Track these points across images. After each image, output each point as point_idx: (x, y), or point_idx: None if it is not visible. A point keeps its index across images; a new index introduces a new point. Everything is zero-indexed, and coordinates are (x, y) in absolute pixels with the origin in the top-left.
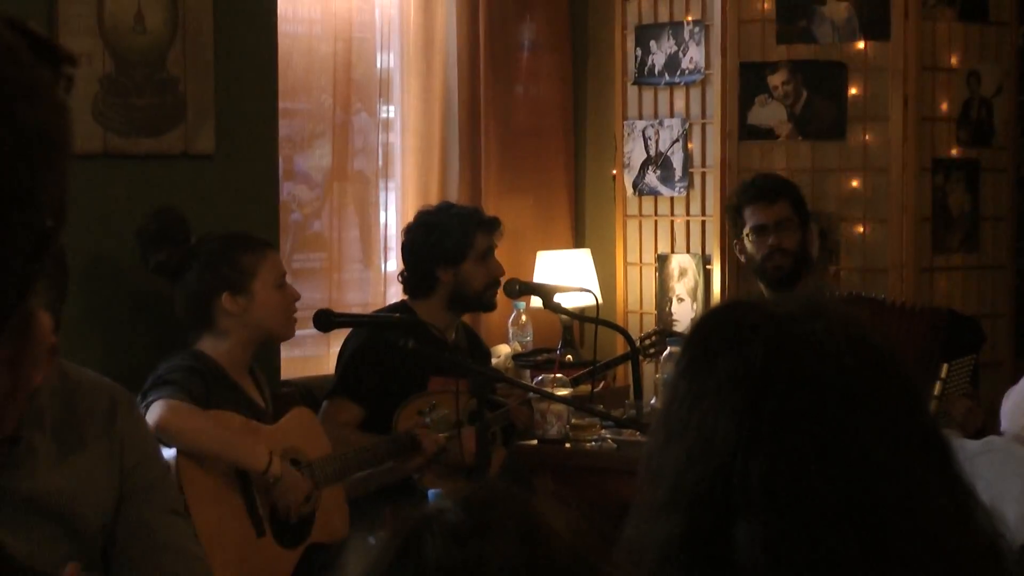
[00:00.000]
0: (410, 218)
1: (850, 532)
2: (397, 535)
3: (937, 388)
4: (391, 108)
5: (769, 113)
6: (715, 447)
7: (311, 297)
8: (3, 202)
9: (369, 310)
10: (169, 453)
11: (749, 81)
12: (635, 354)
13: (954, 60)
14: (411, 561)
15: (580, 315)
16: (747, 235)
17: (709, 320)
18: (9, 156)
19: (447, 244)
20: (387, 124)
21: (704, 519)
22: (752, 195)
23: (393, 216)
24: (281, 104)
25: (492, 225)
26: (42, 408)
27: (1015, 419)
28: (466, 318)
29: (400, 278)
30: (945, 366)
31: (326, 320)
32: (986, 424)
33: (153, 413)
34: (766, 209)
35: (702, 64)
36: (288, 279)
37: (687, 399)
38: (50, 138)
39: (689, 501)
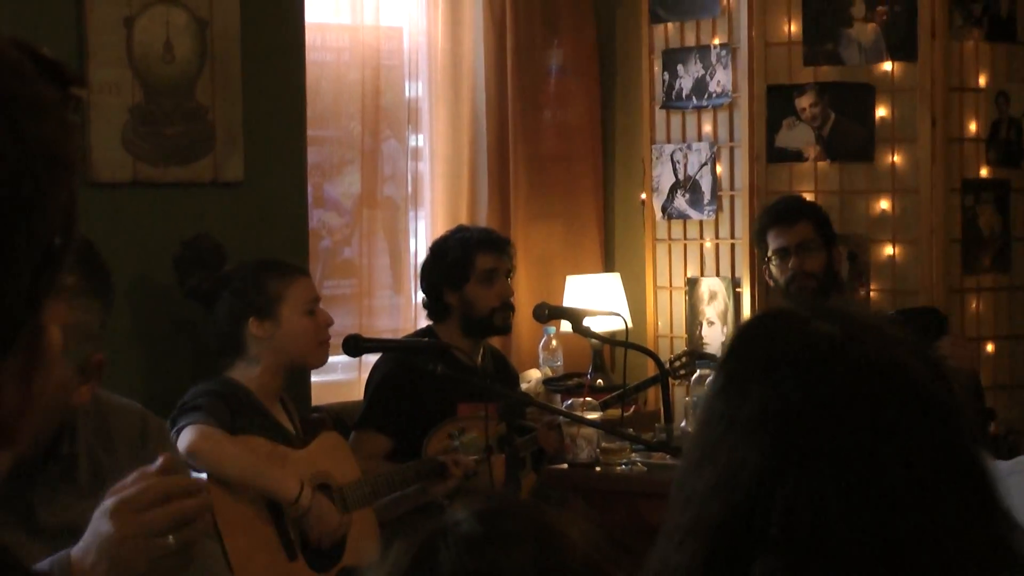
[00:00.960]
0: None
1: (877, 572)
2: (412, 545)
3: None
4: (420, 136)
5: (797, 135)
6: (741, 480)
7: (341, 323)
8: (8, 216)
9: (399, 336)
10: (199, 478)
11: (776, 104)
12: (665, 377)
13: (982, 80)
14: (425, 570)
15: (610, 339)
16: (771, 258)
17: (746, 336)
18: (14, 171)
19: (448, 267)
20: (416, 152)
21: (722, 551)
22: (772, 218)
23: (423, 243)
24: (310, 132)
25: (493, 245)
26: (77, 429)
27: None
28: (496, 343)
29: (423, 304)
30: None
31: (355, 345)
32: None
33: (184, 439)
34: (786, 232)
35: (729, 87)
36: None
37: (721, 424)
38: (56, 155)
39: (710, 531)
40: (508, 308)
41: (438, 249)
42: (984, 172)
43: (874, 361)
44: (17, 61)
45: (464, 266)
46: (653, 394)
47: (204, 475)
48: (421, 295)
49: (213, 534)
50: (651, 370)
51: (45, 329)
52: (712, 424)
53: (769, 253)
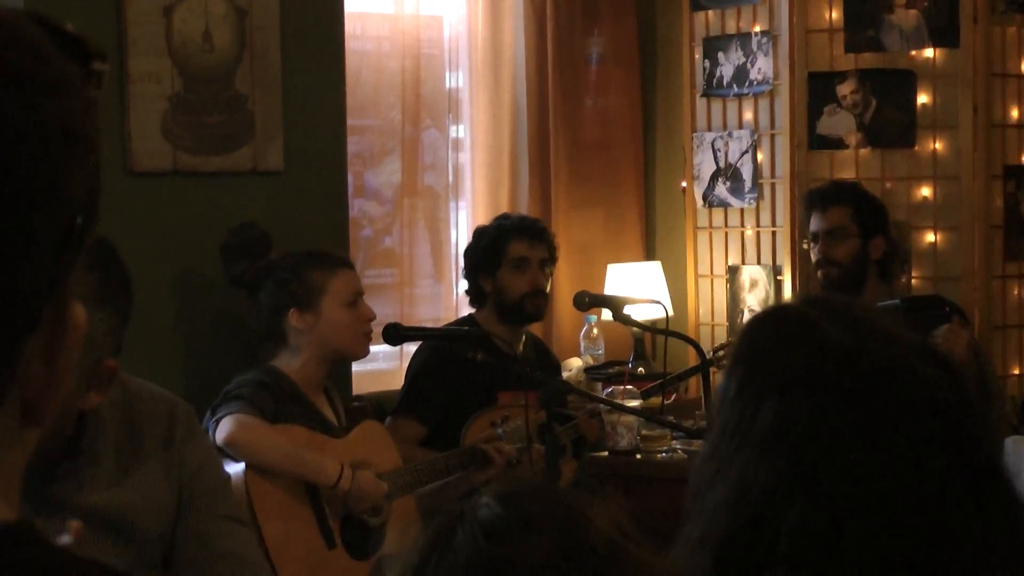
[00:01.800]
0: None
1: None
2: (434, 528)
3: None
4: (460, 128)
5: (838, 123)
6: (751, 497)
7: (382, 312)
8: (28, 195)
9: (440, 324)
10: (237, 468)
11: (817, 91)
12: (706, 366)
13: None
14: (441, 553)
15: (651, 327)
16: (809, 242)
17: (756, 341)
18: (33, 150)
19: (483, 252)
20: (457, 143)
21: (731, 564)
22: (808, 202)
23: (464, 232)
24: (350, 121)
25: (526, 232)
26: (103, 421)
27: None
28: (536, 331)
29: (466, 291)
30: None
31: (395, 334)
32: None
33: (223, 429)
34: (818, 217)
35: (770, 75)
36: None
37: (735, 438)
38: (76, 133)
39: (719, 543)
40: (539, 295)
41: (477, 235)
42: None
43: (886, 372)
44: (35, 38)
45: (497, 252)
46: (694, 382)
47: (242, 465)
48: (463, 282)
49: (248, 521)
50: (692, 358)
51: (69, 307)
52: (725, 438)
53: (808, 236)
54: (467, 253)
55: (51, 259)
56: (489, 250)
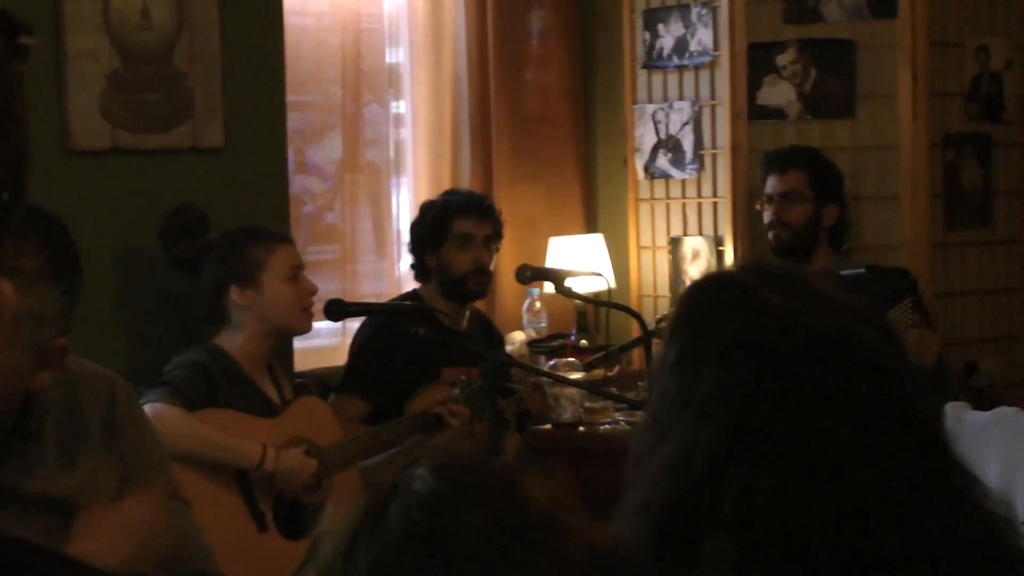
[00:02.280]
0: None
1: (834, 549)
2: (367, 501)
3: None
4: (401, 103)
5: (778, 93)
6: (694, 461)
7: (325, 288)
8: None
9: (383, 300)
10: None
11: (757, 62)
12: (648, 337)
13: (962, 35)
14: (374, 526)
15: (593, 299)
16: (762, 202)
17: (695, 307)
18: None
19: (428, 227)
20: (398, 119)
21: (672, 529)
22: (767, 163)
23: (406, 208)
24: (291, 97)
25: (472, 210)
26: (47, 402)
27: None
28: (479, 304)
29: (411, 265)
30: None
31: (337, 309)
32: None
33: None
34: (775, 179)
35: (711, 46)
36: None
37: (676, 404)
38: (1, 108)
39: (660, 509)
40: (483, 273)
41: (423, 210)
42: (965, 127)
43: (825, 334)
44: None
45: (442, 228)
46: (637, 354)
47: None
48: (405, 258)
49: (184, 497)
50: (635, 330)
51: None
52: (666, 405)
53: (762, 198)
54: (413, 228)
55: None
56: (434, 226)
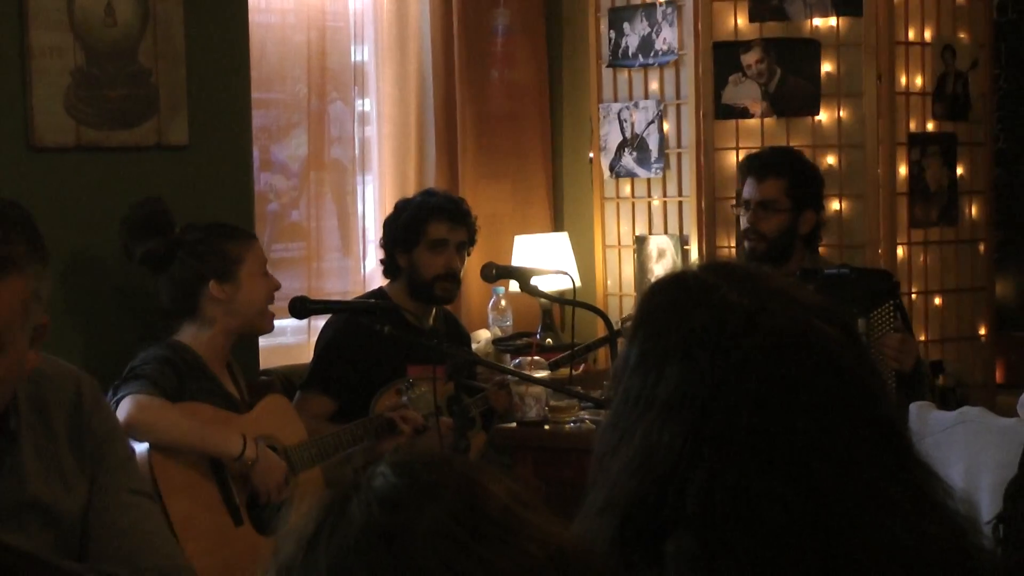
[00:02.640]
0: (388, 207)
1: (796, 547)
2: (328, 497)
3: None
4: (367, 101)
5: (743, 92)
6: (656, 460)
7: (290, 286)
8: None
9: (349, 298)
10: (141, 448)
11: (722, 60)
12: (614, 337)
13: (928, 34)
14: (335, 524)
15: (559, 298)
16: (739, 207)
17: (657, 308)
18: None
19: (402, 228)
20: (363, 117)
21: (634, 527)
22: (746, 167)
23: (372, 206)
24: (256, 94)
25: (448, 215)
26: (19, 400)
27: None
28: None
29: (381, 260)
30: (861, 321)
31: (301, 307)
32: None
33: (122, 411)
34: (753, 185)
35: (676, 45)
36: (268, 268)
37: (639, 403)
38: None
39: (623, 507)
40: (451, 279)
41: (399, 208)
42: (931, 126)
43: (786, 332)
44: None
45: (415, 230)
46: (603, 353)
47: (145, 445)
48: (371, 256)
49: (153, 494)
50: (600, 328)
51: None
52: (628, 404)
53: (740, 200)
54: (387, 225)
55: None
56: (409, 226)
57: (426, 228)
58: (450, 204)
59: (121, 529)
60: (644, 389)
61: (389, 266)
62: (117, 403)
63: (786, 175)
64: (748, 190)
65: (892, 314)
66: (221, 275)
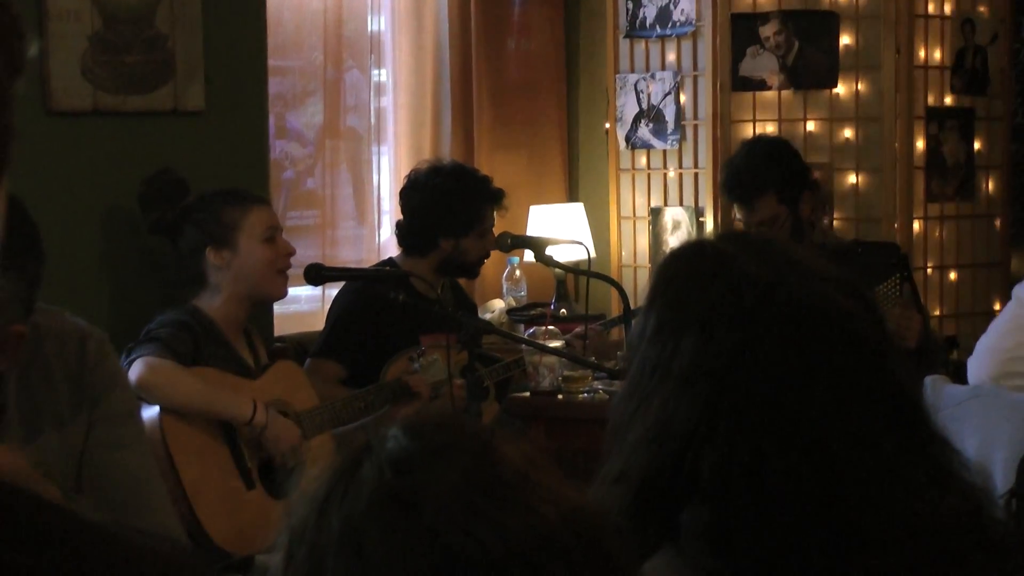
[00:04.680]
0: (403, 176)
1: (811, 519)
2: (340, 460)
3: None
4: (383, 71)
5: (761, 64)
6: (672, 432)
7: (305, 254)
8: None
9: (363, 266)
10: (152, 411)
11: (740, 32)
12: (628, 311)
13: (948, 8)
14: (346, 486)
15: (573, 268)
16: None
17: (674, 277)
18: None
19: (456, 216)
20: (379, 86)
21: (650, 498)
22: (729, 195)
23: (387, 175)
24: (272, 62)
25: (499, 201)
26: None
27: (986, 365)
28: None
29: (397, 231)
30: None
31: (316, 274)
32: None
33: (133, 373)
34: (746, 212)
35: (693, 16)
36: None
37: (655, 374)
38: None
39: (640, 479)
40: (487, 258)
41: (444, 192)
42: (949, 100)
43: (802, 303)
44: None
45: (472, 219)
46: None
47: (156, 408)
48: (386, 225)
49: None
50: (614, 299)
51: None
52: (645, 374)
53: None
54: (431, 208)
55: None
56: (464, 214)
57: (483, 216)
58: (499, 191)
59: (115, 481)
60: (661, 360)
61: (421, 244)
62: (130, 364)
63: (771, 185)
64: (743, 217)
65: (898, 288)
66: (218, 241)
